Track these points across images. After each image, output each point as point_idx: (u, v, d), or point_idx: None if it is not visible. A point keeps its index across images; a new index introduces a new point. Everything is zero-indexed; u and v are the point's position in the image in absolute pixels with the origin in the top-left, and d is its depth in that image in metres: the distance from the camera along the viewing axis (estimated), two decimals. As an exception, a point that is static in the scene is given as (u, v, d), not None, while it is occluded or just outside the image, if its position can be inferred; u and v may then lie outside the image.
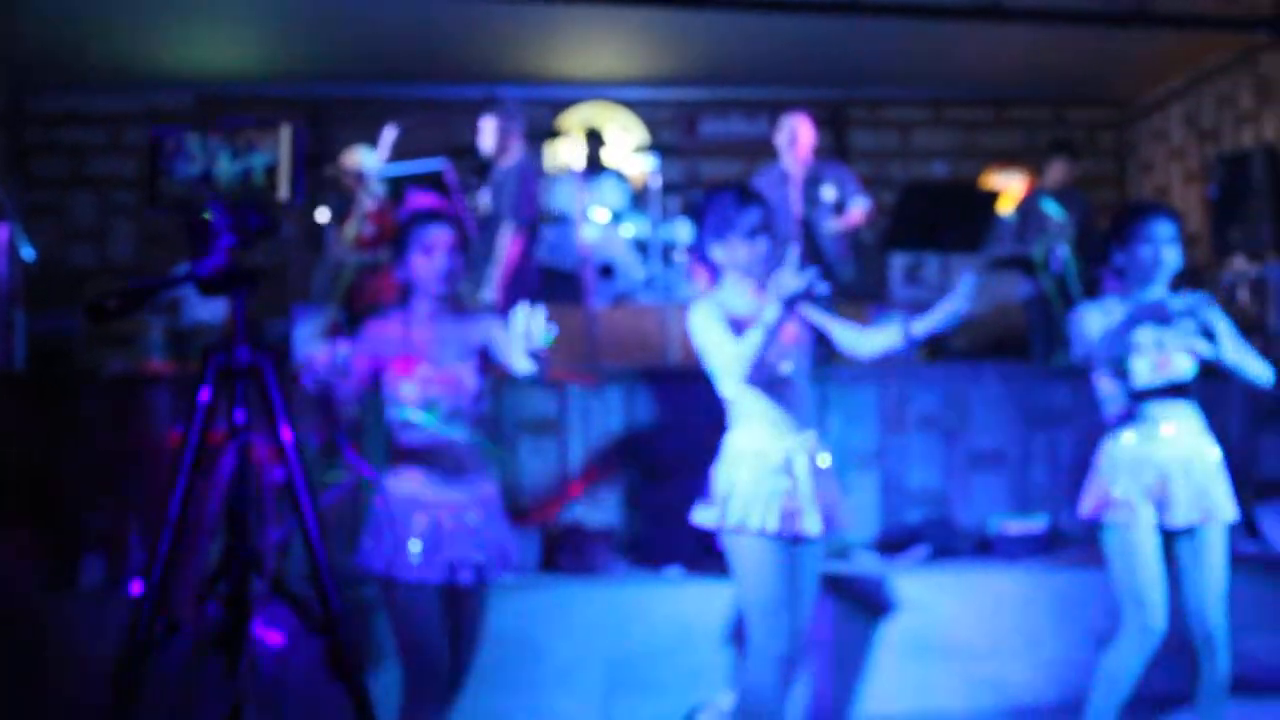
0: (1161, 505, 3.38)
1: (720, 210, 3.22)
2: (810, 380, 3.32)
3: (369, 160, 6.09)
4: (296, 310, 5.77)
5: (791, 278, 2.98)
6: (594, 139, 7.19)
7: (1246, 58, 8.14)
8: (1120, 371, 3.41)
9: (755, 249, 3.20)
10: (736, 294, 3.27)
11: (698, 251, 3.32)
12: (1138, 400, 3.44)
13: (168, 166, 1.91)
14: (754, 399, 3.21)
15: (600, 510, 4.63)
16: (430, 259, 3.10)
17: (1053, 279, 6.09)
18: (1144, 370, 3.41)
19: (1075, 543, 4.83)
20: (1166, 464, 3.40)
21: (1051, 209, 6.61)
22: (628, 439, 4.69)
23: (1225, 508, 3.42)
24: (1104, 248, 3.55)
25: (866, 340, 3.34)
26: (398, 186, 5.52)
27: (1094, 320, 3.44)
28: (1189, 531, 3.43)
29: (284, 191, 1.90)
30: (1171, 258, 3.42)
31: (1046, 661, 4.36)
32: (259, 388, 1.92)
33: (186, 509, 1.92)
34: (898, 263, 7.19)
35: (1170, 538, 3.45)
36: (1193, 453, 3.43)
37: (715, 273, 3.31)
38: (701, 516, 3.24)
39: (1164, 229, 3.41)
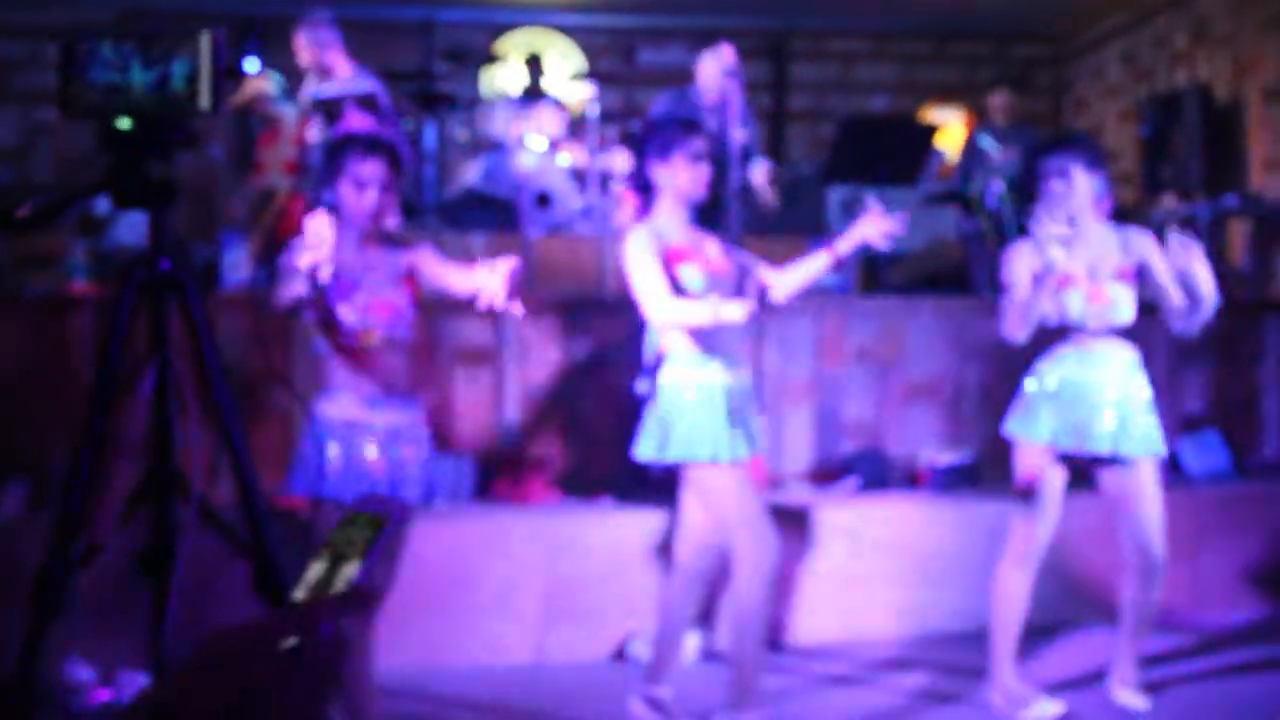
0: (1077, 431, 3.42)
1: (666, 132, 3.26)
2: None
3: (269, 82, 5.94)
4: (224, 236, 5.64)
5: (735, 310, 3.03)
6: (534, 65, 7.08)
7: (1183, -3, 8.20)
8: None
9: (698, 172, 3.22)
10: (671, 223, 3.25)
11: (636, 175, 3.30)
12: (1067, 334, 3.47)
13: (81, 73, 1.82)
14: (686, 330, 3.22)
15: (535, 440, 4.61)
16: (361, 194, 3.04)
17: (989, 216, 6.13)
18: (1076, 303, 3.43)
19: (1004, 475, 4.91)
20: (1093, 390, 3.43)
21: (989, 145, 6.64)
22: (563, 369, 4.66)
23: (1157, 442, 3.48)
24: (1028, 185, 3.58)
25: (791, 277, 3.37)
26: (331, 109, 5.39)
27: (1025, 258, 3.46)
28: (1124, 465, 3.48)
29: (204, 100, 1.82)
30: (1084, 190, 3.42)
31: (974, 590, 4.43)
32: (181, 304, 1.86)
33: (106, 429, 1.87)
34: (835, 197, 7.18)
35: (1102, 467, 3.50)
36: (1121, 382, 3.46)
37: (648, 200, 3.29)
38: (645, 450, 3.25)
39: (1076, 162, 3.43)
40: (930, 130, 6.42)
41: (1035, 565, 3.52)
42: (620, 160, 6.61)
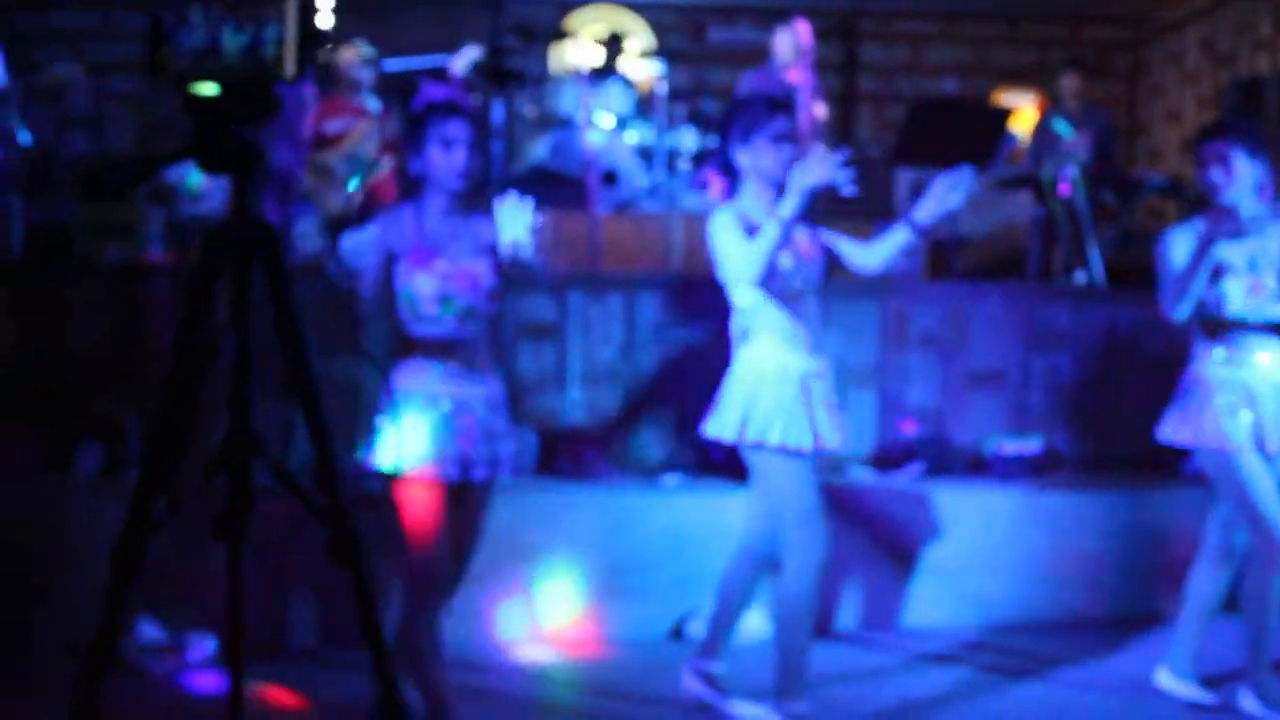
0: (1259, 433, 3.37)
1: (748, 114, 3.24)
2: (818, 300, 3.32)
3: (365, 53, 5.96)
4: (294, 206, 5.69)
5: (816, 167, 2.99)
6: (614, 43, 7.05)
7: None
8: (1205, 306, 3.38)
9: (781, 154, 3.20)
10: (756, 204, 3.25)
11: (719, 157, 3.31)
12: (1231, 329, 3.40)
13: (169, 40, 1.84)
14: (771, 312, 3.21)
15: (599, 416, 4.62)
16: (449, 154, 3.04)
17: (1060, 201, 6.03)
18: (1237, 294, 3.38)
19: (1070, 465, 4.86)
20: (1263, 390, 3.38)
21: (1063, 129, 6.52)
22: (628, 346, 4.67)
23: None
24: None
25: (875, 252, 3.32)
26: (403, 82, 5.42)
27: (1181, 245, 3.40)
28: (1275, 461, 3.42)
29: (289, 67, 1.84)
30: (1247, 179, 3.36)
31: (1036, 580, 4.40)
32: (264, 270, 1.89)
33: (188, 393, 1.90)
34: (904, 179, 7.09)
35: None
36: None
37: (733, 182, 3.29)
38: (717, 429, 3.25)
39: (1239, 150, 3.37)
40: (1002, 113, 6.32)
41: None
42: (689, 138, 6.59)
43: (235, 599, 1.97)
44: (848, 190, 3.06)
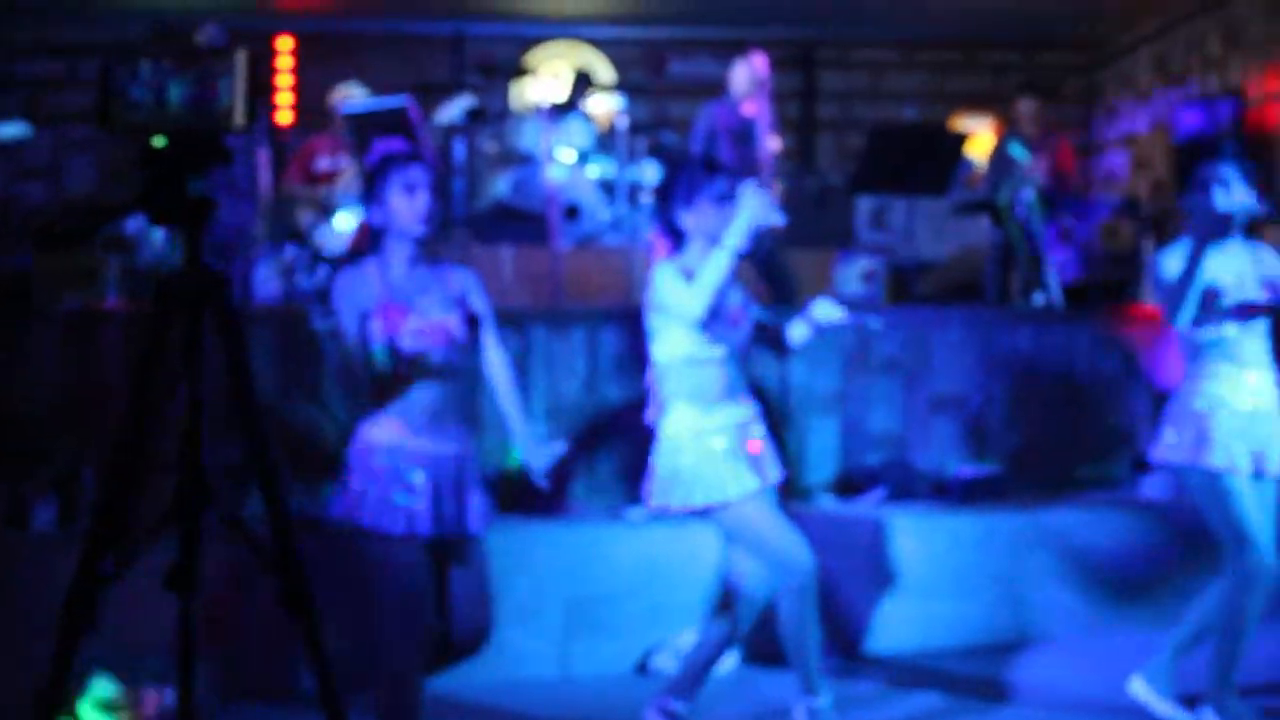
0: (1257, 453, 3.40)
1: (689, 177, 3.28)
2: (740, 364, 3.37)
3: (356, 93, 6.02)
4: (255, 252, 5.70)
5: (757, 207, 3.12)
6: (582, 80, 7.11)
7: (1216, 2, 8.14)
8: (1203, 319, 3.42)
9: (724, 214, 3.23)
10: (701, 261, 3.27)
11: (662, 220, 3.35)
12: (1222, 341, 3.44)
13: (120, 92, 1.87)
14: (689, 373, 3.24)
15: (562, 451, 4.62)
16: (412, 199, 2.99)
17: (1017, 224, 6.11)
18: (1228, 312, 3.43)
19: (1031, 487, 4.90)
20: (1256, 411, 3.42)
21: (1018, 153, 6.61)
22: (591, 379, 4.68)
23: None
24: (1178, 192, 3.59)
25: (797, 331, 3.43)
26: (360, 126, 5.44)
27: (1173, 263, 3.45)
28: (1264, 480, 3.45)
29: (239, 118, 1.86)
30: (1242, 199, 3.41)
31: (1001, 600, 4.43)
32: (216, 320, 1.90)
33: (139, 445, 1.91)
34: (864, 206, 7.18)
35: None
36: (1275, 400, 3.46)
37: (677, 244, 3.34)
38: (661, 500, 3.27)
39: (1233, 171, 3.42)
40: (960, 139, 6.40)
41: None
42: (650, 171, 6.64)
43: (186, 649, 1.97)
44: (776, 220, 3.23)
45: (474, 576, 3.11)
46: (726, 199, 3.24)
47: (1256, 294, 3.45)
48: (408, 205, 3.00)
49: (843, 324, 3.37)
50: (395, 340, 2.89)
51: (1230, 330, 3.43)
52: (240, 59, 1.93)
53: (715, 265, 3.12)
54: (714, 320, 3.21)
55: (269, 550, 1.95)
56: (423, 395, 2.97)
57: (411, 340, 2.90)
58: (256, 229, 5.45)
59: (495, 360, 3.16)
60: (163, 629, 2.05)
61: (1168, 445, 3.51)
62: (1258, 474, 3.42)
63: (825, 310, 3.36)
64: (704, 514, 3.27)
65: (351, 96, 6.01)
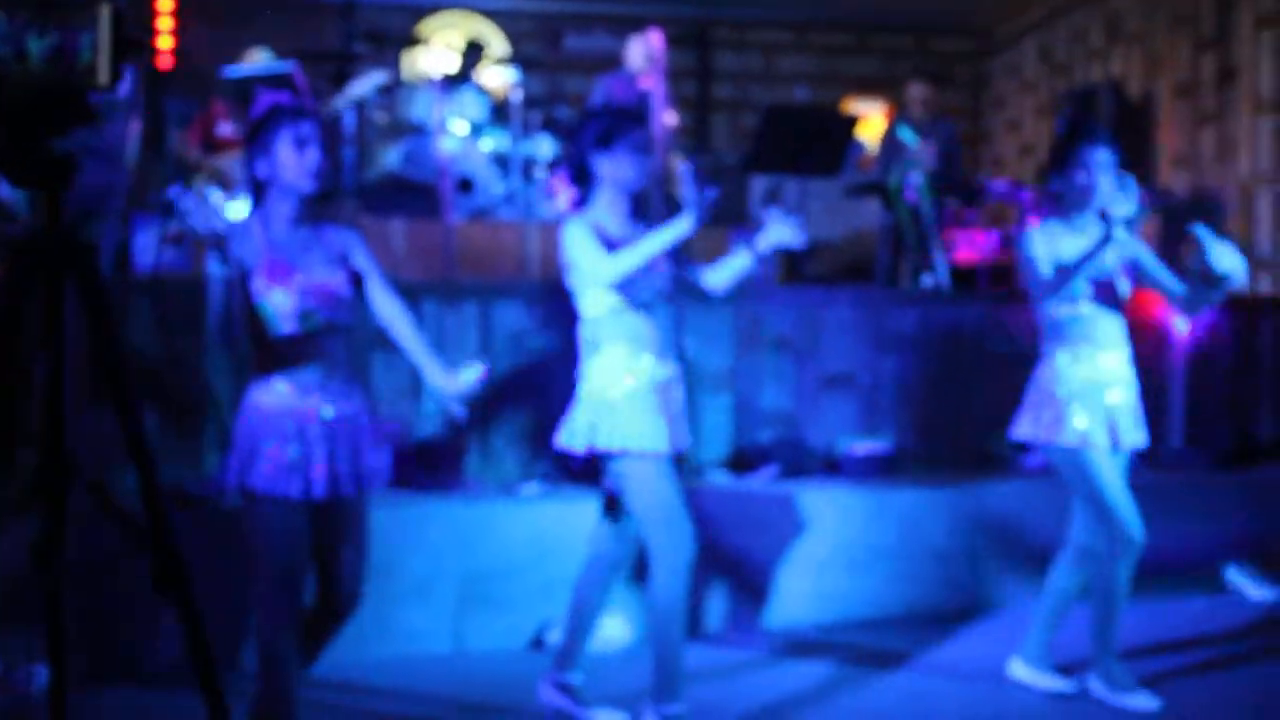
0: (1112, 429, 3.48)
1: (609, 122, 3.23)
2: (666, 311, 3.35)
3: (263, 58, 5.83)
4: (135, 218, 5.49)
5: (781, 230, 3.20)
6: (474, 51, 6.98)
7: (1097, -6, 8.37)
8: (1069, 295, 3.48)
9: (640, 163, 3.22)
10: (609, 213, 3.26)
11: (570, 164, 3.29)
12: (1081, 322, 3.51)
13: (-27, 47, 1.75)
14: (620, 320, 3.21)
15: (453, 427, 4.56)
16: (302, 154, 2.90)
17: (906, 207, 6.19)
18: (1086, 295, 3.50)
19: (919, 464, 4.99)
20: (1112, 388, 3.50)
21: (908, 137, 6.70)
22: (484, 355, 4.62)
23: (1142, 433, 3.57)
24: (1041, 172, 3.63)
25: (720, 275, 3.40)
26: (243, 89, 5.28)
27: (1040, 245, 3.50)
28: (1120, 454, 3.55)
29: (103, 76, 1.75)
30: (1107, 183, 3.48)
31: (891, 576, 4.50)
32: (80, 285, 1.80)
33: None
34: (758, 186, 7.21)
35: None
36: (1128, 378, 3.55)
37: (585, 191, 3.28)
38: (568, 439, 3.24)
39: (1102, 155, 3.48)
40: (851, 121, 6.46)
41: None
42: (544, 146, 6.57)
43: (56, 626, 1.88)
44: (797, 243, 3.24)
45: (361, 539, 3.06)
46: (643, 149, 3.21)
47: (1114, 274, 3.53)
48: (297, 160, 2.91)
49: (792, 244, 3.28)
50: (269, 300, 2.84)
51: (1086, 309, 3.51)
52: (104, 12, 1.82)
53: (648, 246, 3.11)
54: (629, 284, 3.18)
55: (139, 525, 1.86)
56: (310, 355, 2.90)
57: (295, 300, 2.84)
58: (122, 192, 5.24)
59: (389, 309, 3.07)
60: (33, 606, 1.95)
61: (1029, 424, 3.60)
62: (1114, 448, 3.51)
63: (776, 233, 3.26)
64: (614, 458, 3.21)
65: (259, 61, 5.82)
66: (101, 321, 1.77)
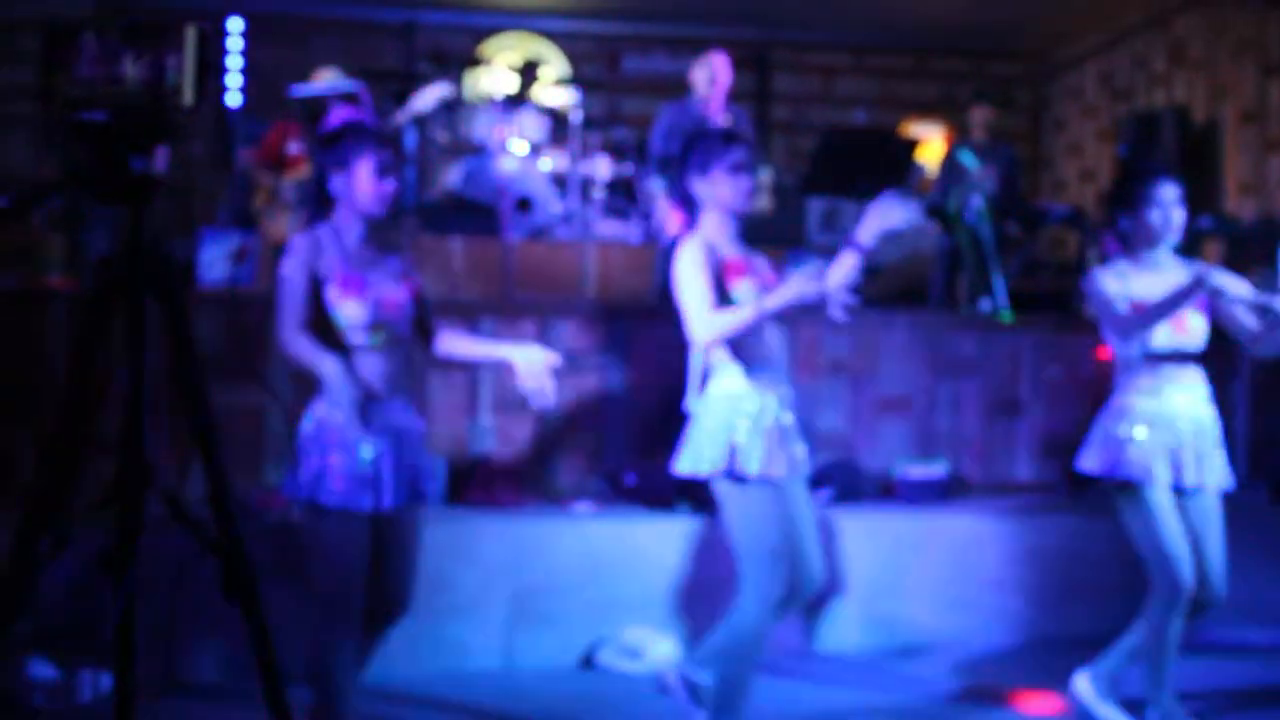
0: (1175, 466, 3.43)
1: (705, 146, 3.26)
2: (778, 329, 3.29)
3: (333, 77, 5.92)
4: (202, 233, 5.60)
5: (815, 282, 3.07)
6: (530, 70, 7.06)
7: (1161, 20, 8.28)
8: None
9: (739, 184, 3.22)
10: (719, 236, 3.26)
11: (676, 190, 3.34)
12: (1152, 362, 3.47)
13: (65, 67, 1.81)
14: (735, 344, 3.19)
15: (509, 445, 4.60)
16: (382, 181, 2.99)
17: (966, 231, 6.16)
18: (1162, 332, 3.44)
19: (974, 490, 4.95)
20: (1181, 425, 3.45)
21: (968, 160, 6.67)
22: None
23: (1225, 474, 3.50)
24: (1108, 211, 3.57)
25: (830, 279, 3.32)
26: (311, 108, 5.38)
27: (1111, 284, 3.46)
28: (1193, 494, 3.48)
29: (188, 95, 1.81)
30: (1178, 219, 3.44)
31: (943, 603, 4.46)
32: (159, 301, 1.85)
33: (79, 426, 1.86)
34: (815, 207, 7.21)
35: (1176, 498, 3.48)
36: (1202, 417, 3.49)
37: (691, 214, 3.32)
38: (690, 464, 3.21)
39: (1170, 191, 3.44)
40: (911, 144, 6.44)
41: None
42: (603, 166, 6.62)
43: (126, 633, 1.92)
44: (837, 314, 3.18)
45: (413, 550, 3.12)
46: (741, 170, 3.22)
47: (1187, 314, 3.47)
48: (376, 186, 3.00)
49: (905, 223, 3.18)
50: (341, 311, 2.92)
51: (1161, 347, 3.46)
52: (190, 35, 1.89)
53: (742, 315, 3.10)
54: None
55: (210, 533, 1.90)
56: (374, 368, 2.97)
57: (368, 311, 2.94)
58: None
59: (439, 330, 3.20)
60: (103, 613, 2.00)
61: (1094, 456, 3.55)
62: (1178, 488, 3.45)
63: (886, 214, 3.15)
64: (720, 479, 3.17)
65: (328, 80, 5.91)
66: (182, 336, 1.82)
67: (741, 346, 3.20)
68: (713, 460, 3.16)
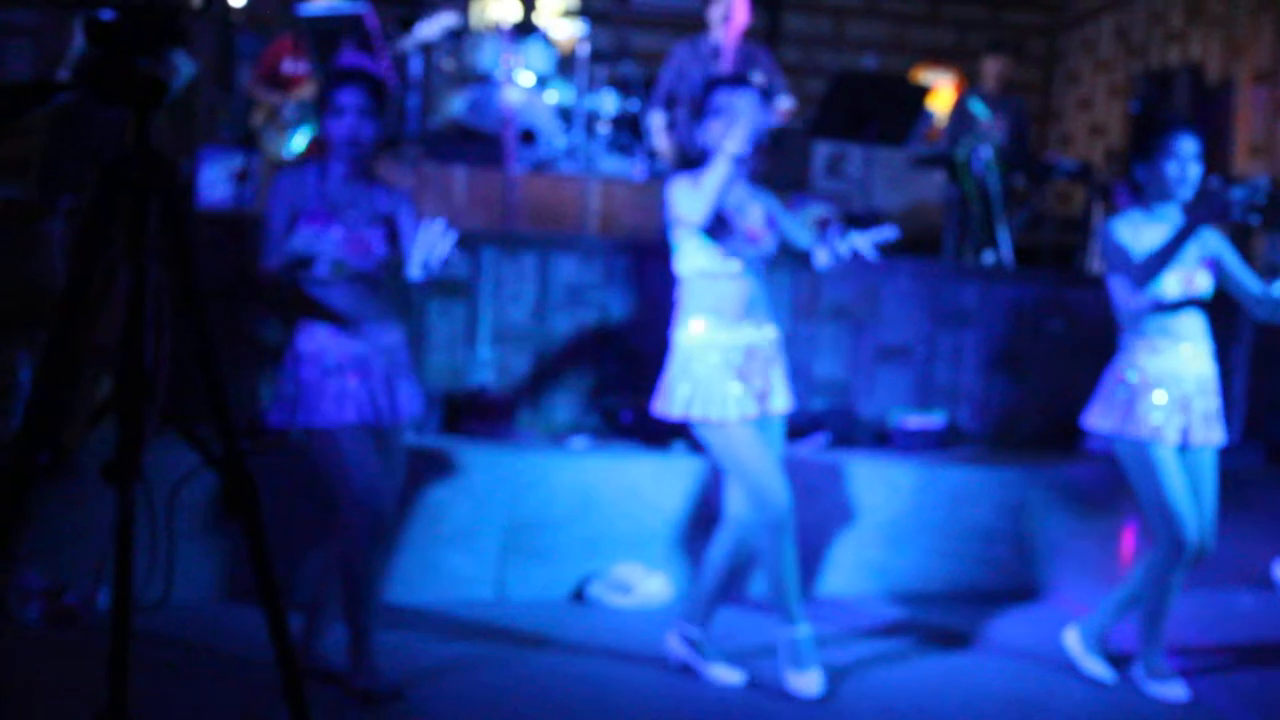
0: (1185, 424, 3.43)
1: (701, 95, 3.39)
2: (763, 282, 3.40)
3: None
4: (202, 152, 5.53)
5: (757, 112, 3.27)
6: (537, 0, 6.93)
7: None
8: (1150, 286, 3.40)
9: (725, 126, 3.28)
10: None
11: (688, 138, 3.47)
12: (1161, 314, 3.45)
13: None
14: (706, 288, 3.30)
15: (507, 377, 4.58)
16: (339, 121, 3.11)
17: (973, 181, 6.11)
18: (1173, 285, 3.43)
19: (971, 440, 4.95)
20: (1187, 383, 3.44)
21: (979, 110, 6.60)
22: (540, 307, 4.62)
23: (1220, 431, 3.51)
24: (1125, 162, 3.55)
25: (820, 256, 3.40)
26: (317, 27, 5.28)
27: (1126, 233, 3.43)
28: (1194, 450, 3.48)
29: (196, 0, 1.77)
30: (1194, 174, 3.41)
31: (935, 552, 4.48)
32: (161, 209, 1.81)
33: (77, 335, 1.82)
34: (821, 152, 7.14)
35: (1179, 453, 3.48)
36: (1206, 374, 3.49)
37: (703, 160, 3.37)
38: (664, 406, 3.34)
39: (1189, 145, 3.40)
40: (921, 91, 6.36)
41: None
42: (609, 101, 6.53)
43: (126, 545, 1.90)
44: (821, 261, 3.33)
45: (399, 467, 3.28)
46: (722, 111, 3.31)
47: (1196, 269, 3.46)
48: (335, 126, 3.11)
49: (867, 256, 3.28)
50: (317, 244, 3.06)
51: (1166, 301, 3.44)
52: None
53: (713, 171, 3.19)
54: (727, 235, 3.28)
55: (212, 448, 1.89)
56: (342, 300, 3.11)
57: (331, 247, 3.07)
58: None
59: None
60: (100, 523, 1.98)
61: (1099, 413, 3.55)
62: (1184, 446, 3.46)
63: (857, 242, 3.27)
64: (699, 427, 3.31)
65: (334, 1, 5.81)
66: (182, 243, 1.79)
67: (712, 290, 3.30)
68: (684, 402, 3.28)
